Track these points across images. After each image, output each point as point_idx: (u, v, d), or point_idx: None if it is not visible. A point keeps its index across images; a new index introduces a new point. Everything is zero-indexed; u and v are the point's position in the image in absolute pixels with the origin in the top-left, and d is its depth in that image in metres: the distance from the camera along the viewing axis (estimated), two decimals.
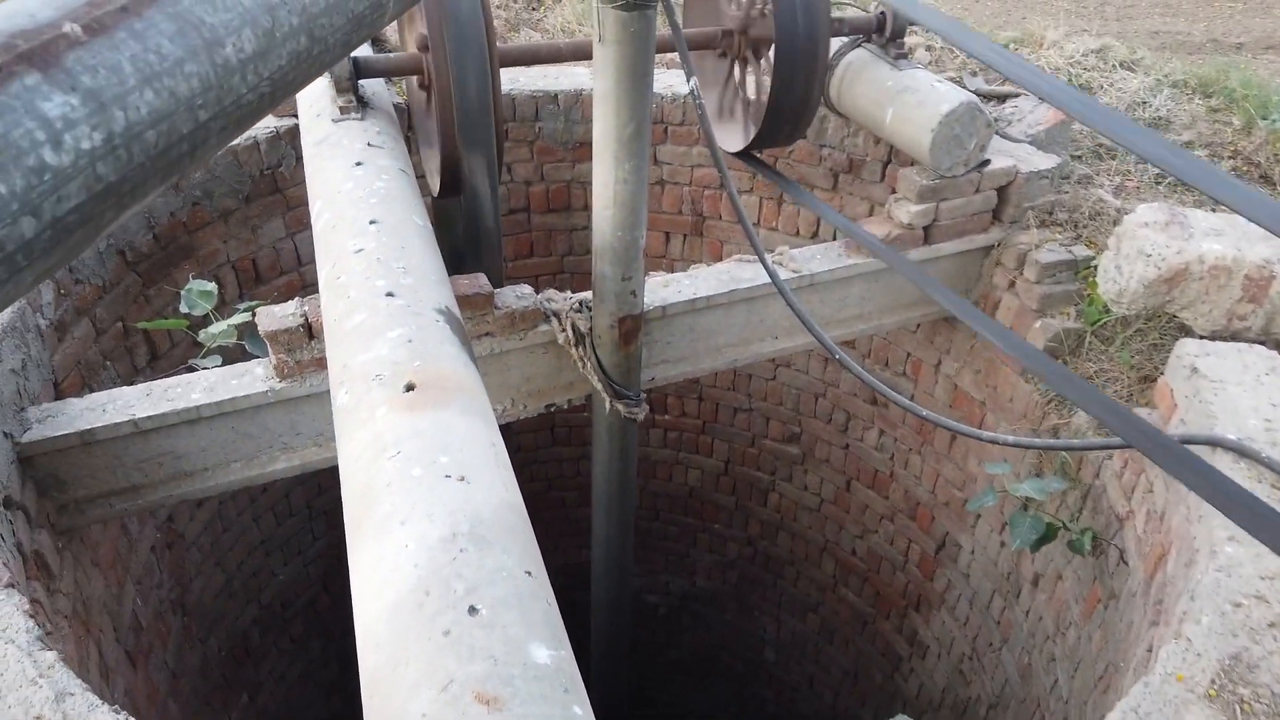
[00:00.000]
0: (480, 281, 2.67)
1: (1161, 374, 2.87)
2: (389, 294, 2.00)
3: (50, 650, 1.67)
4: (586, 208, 4.25)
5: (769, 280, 2.85)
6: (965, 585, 4.00)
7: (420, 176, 2.98)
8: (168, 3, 0.64)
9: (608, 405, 2.86)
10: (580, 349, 2.80)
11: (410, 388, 1.75)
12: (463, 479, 1.56)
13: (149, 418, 2.46)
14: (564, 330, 2.78)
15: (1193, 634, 1.75)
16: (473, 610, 1.35)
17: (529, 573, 1.45)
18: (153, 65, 0.61)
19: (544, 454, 5.08)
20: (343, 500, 1.65)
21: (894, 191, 3.43)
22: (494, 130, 2.80)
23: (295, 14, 0.75)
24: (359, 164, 2.48)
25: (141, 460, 2.55)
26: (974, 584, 3.93)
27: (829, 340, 2.65)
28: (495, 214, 2.83)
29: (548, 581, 1.50)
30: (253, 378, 2.57)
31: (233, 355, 2.84)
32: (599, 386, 2.83)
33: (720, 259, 4.33)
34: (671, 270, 4.43)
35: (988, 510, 3.76)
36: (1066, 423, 3.15)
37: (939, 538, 4.11)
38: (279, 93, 0.74)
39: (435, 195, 2.93)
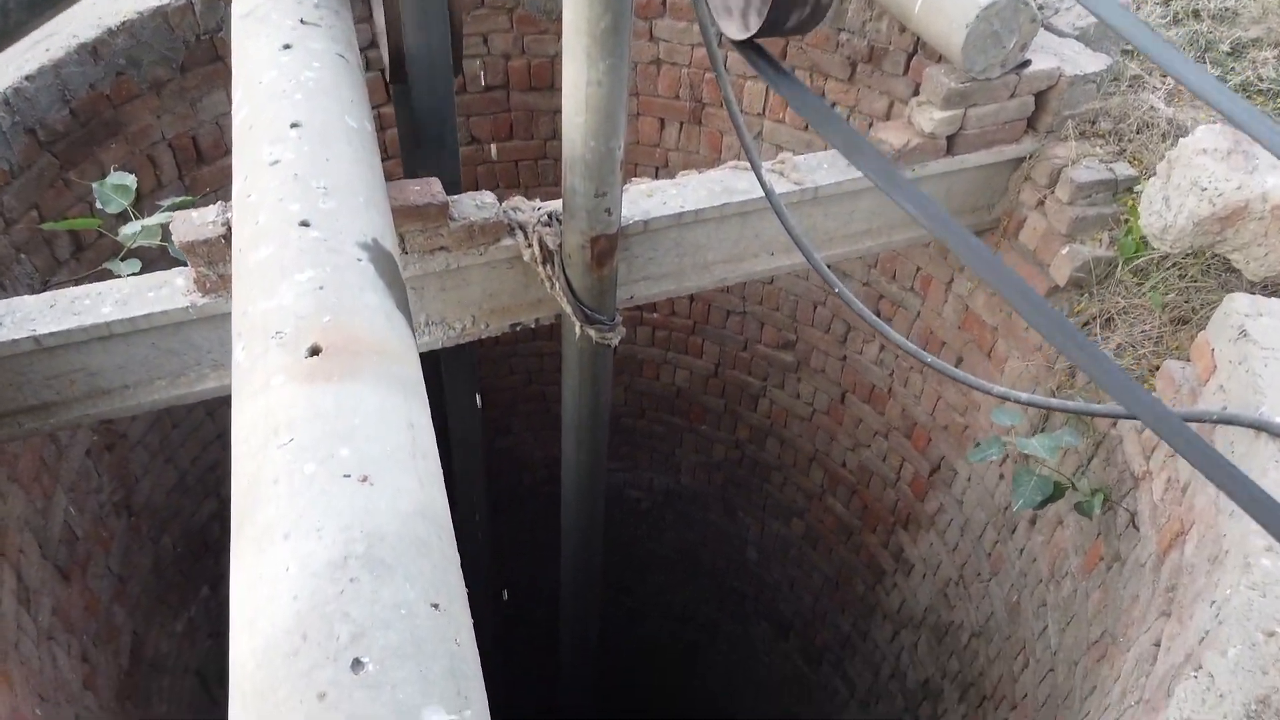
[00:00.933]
0: (433, 189, 2.32)
1: (1201, 323, 2.56)
2: (303, 223, 1.67)
3: None
4: None
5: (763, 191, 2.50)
6: (958, 512, 3.81)
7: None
8: None
9: (578, 330, 2.57)
10: (548, 267, 2.48)
11: (315, 351, 1.45)
12: (365, 479, 1.28)
13: (53, 334, 2.17)
14: (530, 246, 2.46)
15: (1216, 669, 1.52)
16: (357, 665, 1.10)
17: (435, 605, 1.20)
18: None
19: (524, 347, 4.82)
20: (231, 484, 1.39)
21: (918, 90, 3.02)
22: (447, 6, 2.39)
23: None
24: (287, 46, 2.09)
25: (50, 378, 2.29)
26: (967, 512, 3.74)
27: (828, 271, 2.33)
28: (449, 107, 2.46)
29: (462, 609, 1.25)
30: (171, 290, 2.27)
31: (158, 256, 2.53)
32: (568, 309, 2.53)
33: (720, 152, 3.94)
34: (666, 163, 4.05)
35: (989, 439, 3.52)
36: None
37: (934, 460, 3.90)
38: None
39: (388, 80, 2.54)
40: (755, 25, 2.70)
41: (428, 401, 1.54)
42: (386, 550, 1.22)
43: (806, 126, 3.65)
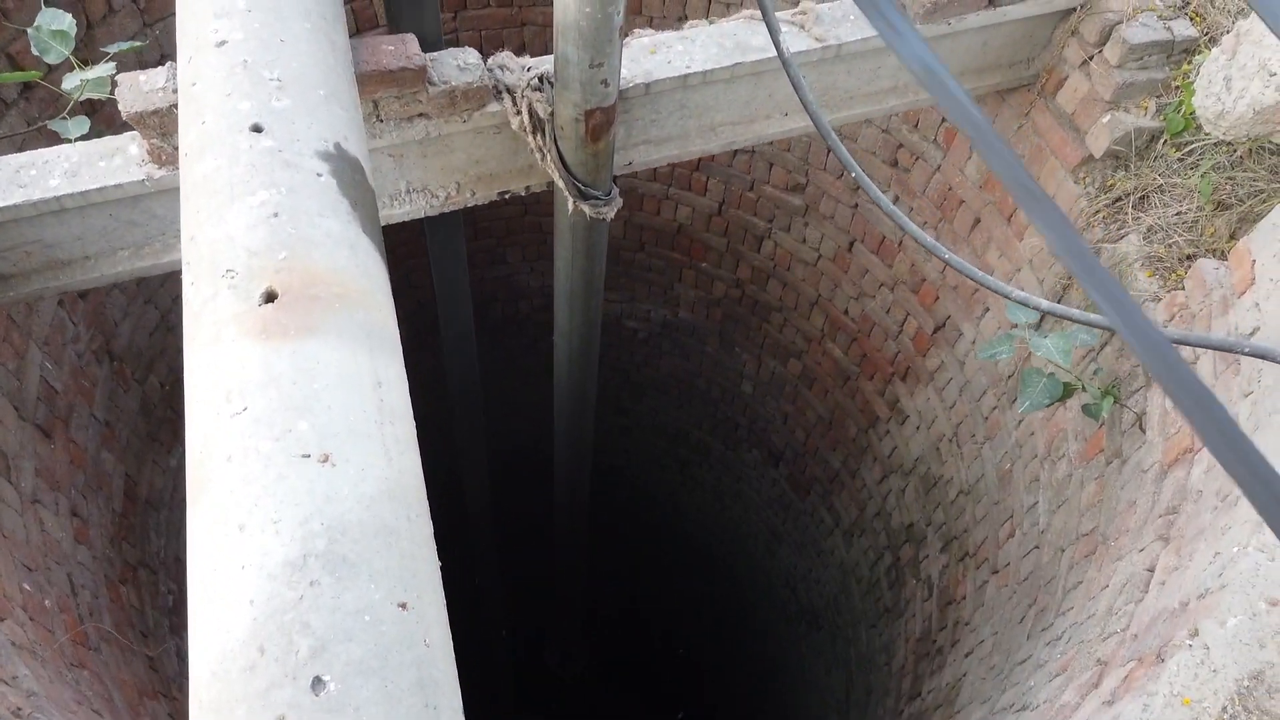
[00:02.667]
0: (409, 50, 2.07)
1: (1245, 217, 2.37)
2: (255, 127, 1.47)
3: None
4: None
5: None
6: (959, 372, 3.75)
7: None
8: None
9: (570, 204, 2.39)
10: (539, 137, 2.26)
11: (270, 298, 1.30)
12: (326, 459, 1.18)
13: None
14: (519, 114, 2.23)
15: (1213, 640, 1.48)
16: (318, 684, 1.03)
17: (402, 605, 1.13)
18: None
19: None
20: (185, 445, 1.29)
21: None
22: None
23: None
24: None
25: (3, 250, 2.13)
26: (968, 374, 3.68)
27: (847, 154, 2.12)
28: None
29: (433, 601, 1.18)
30: (125, 160, 2.07)
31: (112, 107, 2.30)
32: (560, 184, 2.33)
33: None
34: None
35: (997, 304, 3.40)
36: (1114, 245, 2.69)
37: (940, 318, 3.79)
38: None
39: None
40: None
41: (399, 345, 1.41)
42: (349, 545, 1.13)
43: None
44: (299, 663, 1.04)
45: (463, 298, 3.28)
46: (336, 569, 1.10)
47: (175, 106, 1.93)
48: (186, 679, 3.09)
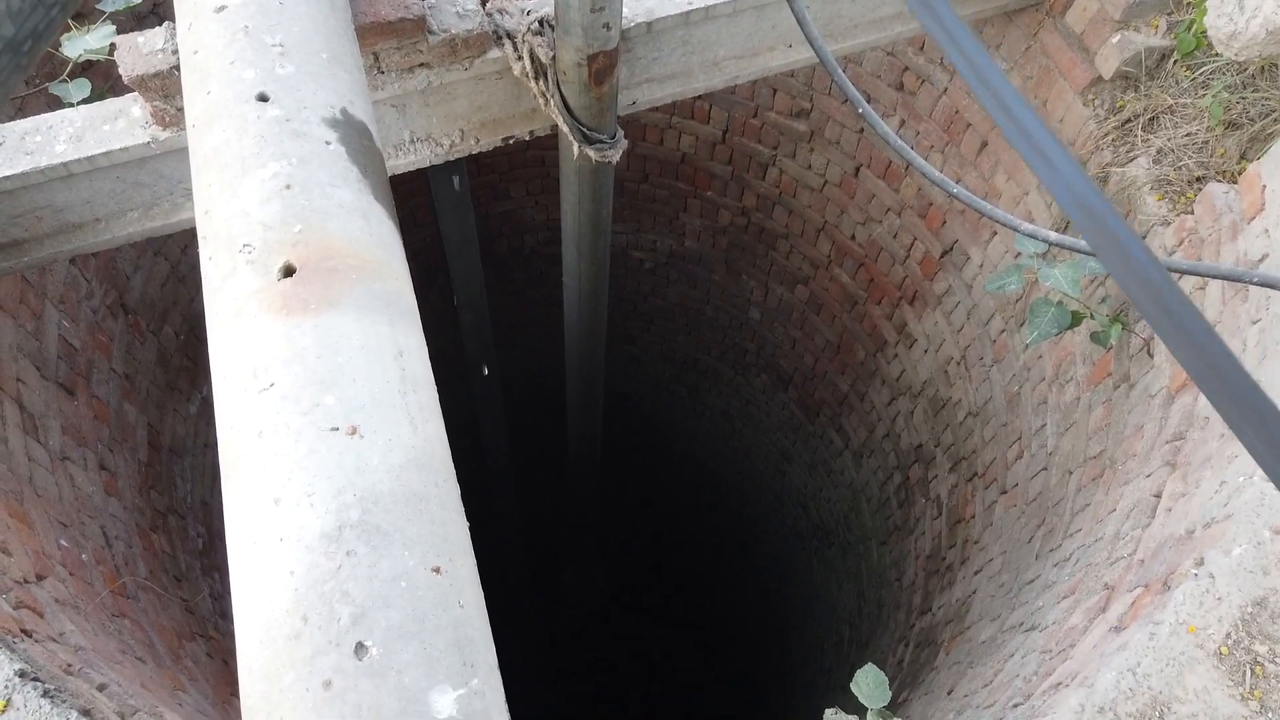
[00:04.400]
0: (407, 0, 2.04)
1: (1256, 137, 2.35)
2: (260, 96, 1.46)
3: None
4: None
5: None
6: (966, 296, 3.76)
7: None
8: None
9: (576, 149, 2.37)
10: (541, 82, 2.24)
11: (288, 272, 1.32)
12: (354, 431, 1.22)
13: (7, 178, 2.01)
14: (520, 59, 2.20)
15: (1217, 568, 1.53)
16: (360, 649, 1.09)
17: (436, 570, 1.18)
18: None
19: None
20: (215, 421, 1.33)
21: None
22: None
23: None
24: None
25: (14, 216, 2.14)
26: (975, 297, 3.69)
27: (853, 89, 2.09)
28: None
29: (465, 563, 1.23)
30: (129, 122, 2.07)
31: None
32: (565, 129, 2.32)
33: None
34: None
35: (1005, 232, 3.39)
36: (1122, 169, 2.68)
37: (947, 243, 3.78)
38: None
39: None
40: None
41: (416, 312, 1.43)
42: (382, 515, 1.17)
43: None
44: (341, 630, 1.09)
45: (469, 240, 3.28)
46: (371, 538, 1.15)
47: (176, 69, 1.92)
48: (220, 618, 3.21)
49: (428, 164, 2.44)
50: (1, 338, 2.43)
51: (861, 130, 3.93)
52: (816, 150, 4.19)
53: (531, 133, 2.48)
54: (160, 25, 1.98)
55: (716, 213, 4.95)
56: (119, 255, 3.18)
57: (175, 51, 1.92)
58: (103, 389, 2.99)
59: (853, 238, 4.37)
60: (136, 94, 2.06)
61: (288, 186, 1.39)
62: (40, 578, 2.02)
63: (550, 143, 4.65)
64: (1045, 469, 3.06)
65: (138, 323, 3.32)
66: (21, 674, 1.36)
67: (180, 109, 2.01)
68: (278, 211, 1.36)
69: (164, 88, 1.94)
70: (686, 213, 5.06)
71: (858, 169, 4.07)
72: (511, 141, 2.49)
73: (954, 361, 3.96)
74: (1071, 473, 2.80)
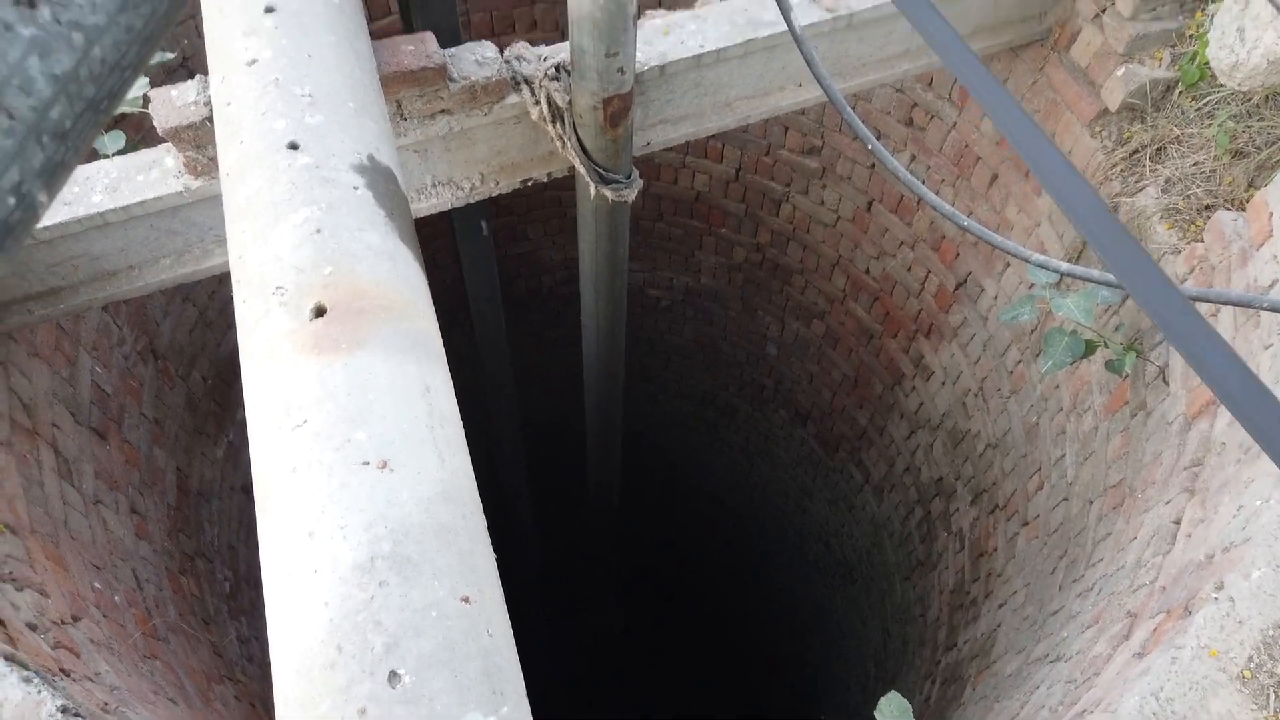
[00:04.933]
0: (428, 50, 2.11)
1: (1263, 165, 2.38)
2: (291, 145, 1.53)
3: None
4: None
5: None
6: (981, 327, 3.78)
7: None
8: None
9: (593, 189, 2.43)
10: (558, 126, 2.31)
11: (320, 312, 1.37)
12: (384, 465, 1.26)
13: (46, 228, 2.08)
14: (538, 104, 2.27)
15: (1237, 592, 1.54)
16: (394, 677, 1.12)
17: (465, 599, 1.21)
18: None
19: None
20: (251, 458, 1.37)
21: None
22: None
23: None
24: None
25: (53, 265, 2.22)
26: (991, 329, 3.71)
27: (861, 126, 2.14)
28: None
29: (493, 594, 1.26)
30: (162, 172, 2.14)
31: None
32: (582, 171, 2.38)
33: None
34: None
35: (1018, 263, 3.42)
36: (1132, 198, 2.71)
37: (961, 275, 3.81)
38: None
39: None
40: None
41: (443, 351, 1.48)
42: (412, 546, 1.21)
43: None
44: (375, 659, 1.12)
45: (490, 281, 3.35)
46: (402, 569, 1.19)
47: (208, 120, 2.00)
48: (248, 661, 3.23)
49: (449, 207, 2.50)
50: (38, 384, 2.50)
51: (873, 166, 3.99)
52: (829, 186, 4.25)
53: (549, 175, 2.55)
54: (190, 79, 2.06)
55: (731, 249, 5.01)
56: (149, 302, 3.26)
57: (207, 104, 1.99)
58: (133, 434, 3.05)
59: (867, 272, 4.41)
60: (170, 145, 2.14)
61: (318, 231, 1.44)
62: (76, 619, 2.06)
63: (567, 184, 4.73)
64: (1066, 499, 3.05)
65: (167, 368, 3.39)
66: (64, 709, 1.39)
67: (211, 158, 2.08)
68: (309, 255, 1.42)
69: (196, 139, 2.02)
70: (702, 250, 5.12)
71: (870, 204, 4.12)
72: (530, 184, 2.55)
73: (972, 393, 3.97)
74: (1092, 502, 2.80)
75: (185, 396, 3.54)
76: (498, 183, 2.52)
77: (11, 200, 0.44)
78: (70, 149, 0.48)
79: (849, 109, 2.19)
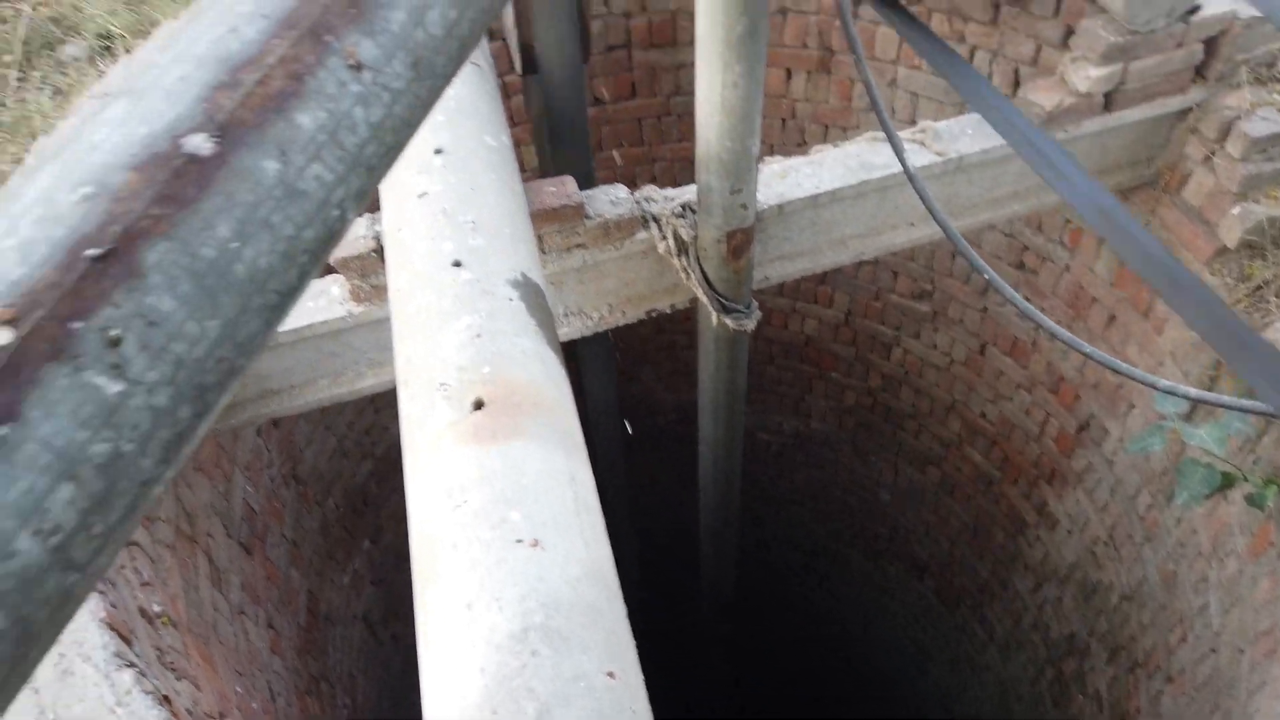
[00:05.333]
0: (568, 190, 2.33)
1: None
2: (456, 263, 1.72)
3: (128, 669, 1.63)
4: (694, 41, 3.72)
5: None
6: (1108, 472, 3.68)
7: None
8: None
9: (714, 319, 2.57)
10: (684, 259, 2.47)
11: (478, 405, 1.51)
12: (536, 544, 1.34)
13: None
14: (665, 239, 2.45)
15: None
16: None
17: (610, 674, 1.26)
18: None
19: None
20: (410, 537, 1.48)
21: (1069, 33, 2.82)
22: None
23: (157, 402, 0.46)
24: None
25: None
26: (1118, 473, 3.61)
27: (982, 262, 2.23)
28: (579, 99, 2.44)
29: (635, 674, 1.31)
30: (329, 300, 2.38)
31: None
32: (704, 300, 2.53)
33: (849, 99, 3.79)
34: (793, 113, 3.93)
35: (1143, 399, 3.36)
36: (1261, 333, 2.68)
37: (1082, 418, 3.75)
38: (125, 535, 0.47)
39: (520, 73, 2.54)
40: None
41: (585, 447, 1.58)
42: (562, 620, 1.28)
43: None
44: None
45: (611, 411, 3.48)
46: (553, 641, 1.25)
47: (374, 252, 2.24)
48: None
49: (578, 335, 2.67)
50: (199, 496, 2.70)
51: (985, 309, 4.04)
52: (940, 330, 4.30)
53: (672, 306, 2.70)
54: (359, 215, 2.32)
55: (842, 393, 5.06)
56: (295, 429, 3.51)
57: (374, 237, 2.24)
58: (274, 552, 3.22)
59: (983, 416, 4.38)
60: (339, 274, 2.39)
61: (478, 335, 1.60)
62: (223, 716, 2.15)
63: (679, 326, 4.92)
64: (1213, 650, 2.88)
65: (306, 493, 3.60)
66: None
67: (374, 286, 2.31)
68: (470, 356, 1.57)
69: (362, 268, 2.25)
70: (812, 394, 5.19)
71: (983, 347, 4.15)
72: (654, 314, 2.71)
73: (1101, 542, 3.82)
74: (1243, 651, 2.64)
75: (320, 521, 3.73)
76: (624, 313, 2.68)
77: (336, 212, 0.56)
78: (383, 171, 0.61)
79: (963, 241, 2.28)
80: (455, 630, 1.28)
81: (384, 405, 4.12)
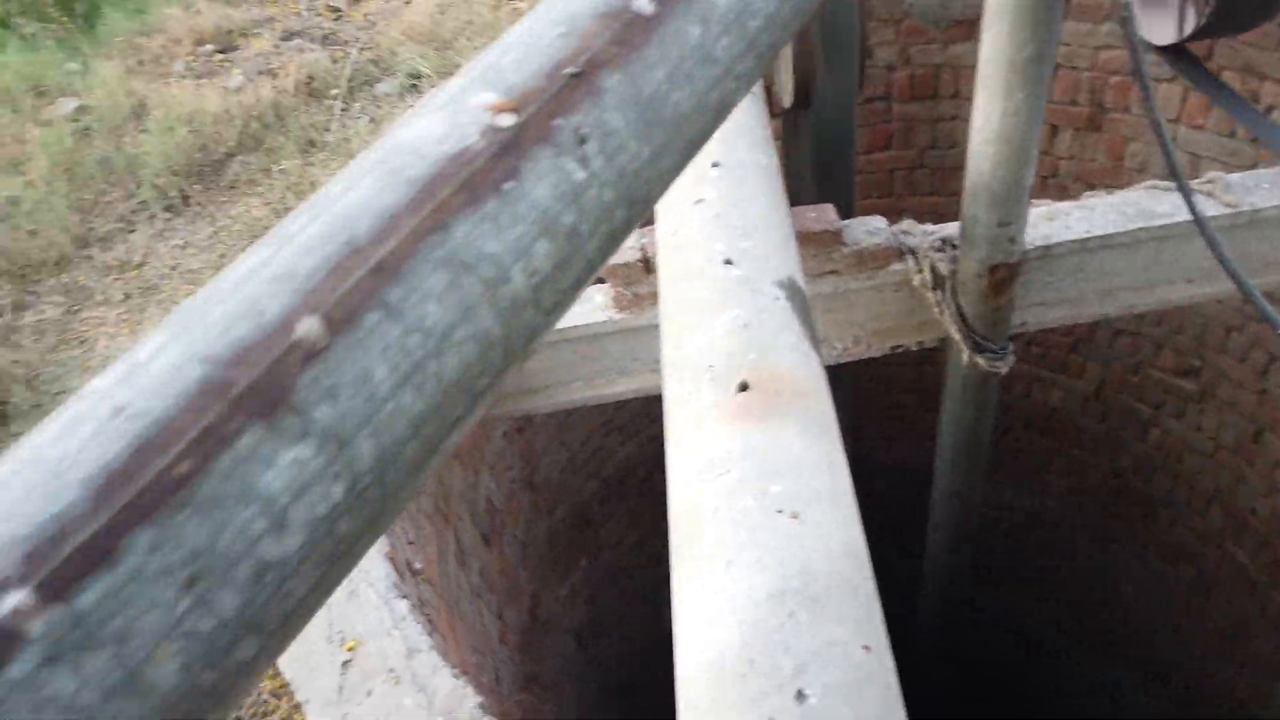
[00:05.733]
0: (828, 216, 2.40)
1: None
2: (726, 261, 1.81)
3: (404, 599, 1.80)
4: (955, 95, 3.71)
5: (1189, 215, 2.28)
6: None
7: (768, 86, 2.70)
8: (434, 243, 0.47)
9: (965, 357, 2.52)
10: (939, 293, 2.46)
11: (744, 388, 1.58)
12: (795, 516, 1.38)
13: None
14: (921, 272, 2.45)
15: None
16: (800, 696, 1.19)
17: (866, 648, 1.27)
18: (415, 351, 0.45)
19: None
20: (668, 507, 1.56)
21: None
22: (858, 30, 2.44)
23: (605, 197, 0.55)
24: None
25: None
26: None
27: (1274, 315, 2.08)
28: (849, 133, 2.51)
29: (888, 655, 1.31)
30: (592, 306, 2.55)
31: None
32: (957, 336, 2.49)
33: (1120, 159, 3.63)
34: (1055, 171, 3.81)
35: None
36: None
37: None
38: (567, 303, 0.56)
39: (786, 107, 2.64)
40: (1192, 26, 2.47)
41: (841, 439, 1.61)
42: (819, 587, 1.30)
43: (1232, 133, 3.25)
44: (784, 678, 1.21)
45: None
46: (810, 607, 1.28)
47: (640, 261, 2.39)
48: None
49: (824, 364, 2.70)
50: (454, 482, 2.94)
51: (1264, 390, 3.69)
52: (1207, 412, 3.96)
53: (920, 343, 2.68)
54: None
55: (1085, 473, 4.73)
56: (535, 438, 3.73)
57: (639, 249, 2.39)
58: (509, 550, 3.43)
59: (1253, 511, 3.96)
60: (600, 285, 2.56)
61: (745, 325, 1.68)
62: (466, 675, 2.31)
63: (906, 384, 4.82)
64: None
65: (538, 501, 3.80)
66: (482, 707, 1.59)
67: (635, 295, 2.46)
68: (737, 343, 1.65)
69: (628, 276, 2.41)
70: (1050, 471, 4.89)
71: (1258, 433, 3.77)
72: (899, 350, 2.69)
73: None
74: None
75: (547, 531, 3.92)
76: (870, 345, 2.68)
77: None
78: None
79: (1261, 298, 2.14)
80: (715, 585, 1.33)
81: (615, 428, 4.30)
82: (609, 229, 0.57)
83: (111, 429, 0.38)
